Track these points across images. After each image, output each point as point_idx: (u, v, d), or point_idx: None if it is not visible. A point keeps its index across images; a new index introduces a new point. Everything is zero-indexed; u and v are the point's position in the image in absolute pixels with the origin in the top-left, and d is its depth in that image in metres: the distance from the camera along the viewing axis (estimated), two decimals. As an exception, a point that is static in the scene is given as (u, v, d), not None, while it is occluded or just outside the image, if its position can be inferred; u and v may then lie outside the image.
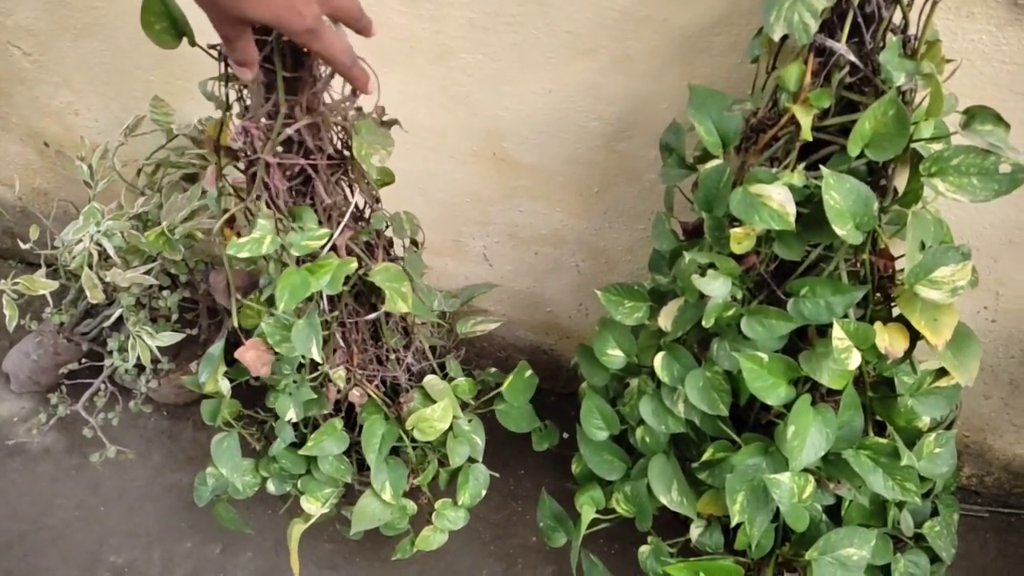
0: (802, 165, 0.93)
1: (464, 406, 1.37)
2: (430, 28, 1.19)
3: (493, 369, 1.52)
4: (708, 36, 1.09)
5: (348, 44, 0.79)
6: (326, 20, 0.77)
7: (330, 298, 1.16)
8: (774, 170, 0.93)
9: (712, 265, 0.98)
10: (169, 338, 1.43)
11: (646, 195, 1.32)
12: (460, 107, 1.29)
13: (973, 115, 0.86)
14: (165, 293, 1.46)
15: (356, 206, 1.11)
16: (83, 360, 1.64)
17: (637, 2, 1.08)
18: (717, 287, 0.98)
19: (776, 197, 0.89)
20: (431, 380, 1.30)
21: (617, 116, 1.22)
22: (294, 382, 1.22)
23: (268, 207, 1.01)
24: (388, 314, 1.23)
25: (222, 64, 0.92)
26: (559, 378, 1.75)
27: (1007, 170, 0.82)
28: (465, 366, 1.50)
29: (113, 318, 1.49)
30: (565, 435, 1.64)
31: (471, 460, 1.35)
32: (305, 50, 0.88)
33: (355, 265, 1.08)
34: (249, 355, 1.18)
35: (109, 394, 1.60)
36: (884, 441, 1.02)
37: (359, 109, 1.00)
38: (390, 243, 1.22)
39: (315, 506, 1.30)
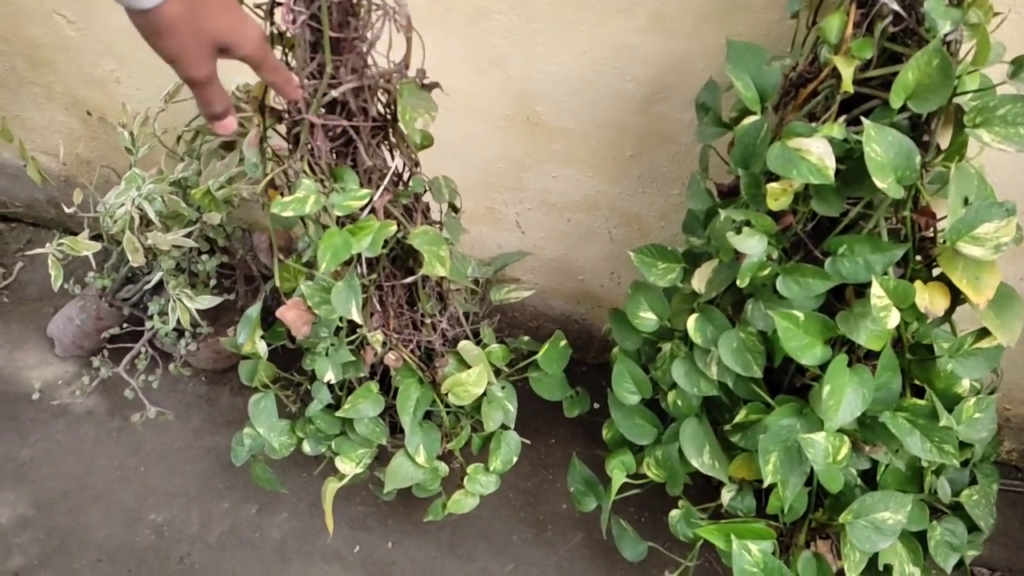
0: (842, 119, 0.92)
1: (497, 373, 1.37)
2: (465, -11, 1.19)
3: (526, 337, 1.52)
4: (746, -7, 1.08)
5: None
6: None
7: (368, 261, 1.17)
8: (813, 125, 0.92)
9: (748, 223, 0.97)
10: (208, 301, 1.46)
11: (681, 159, 1.31)
12: (495, 70, 1.29)
13: (1021, 64, 0.84)
14: (204, 257, 1.49)
15: (396, 169, 1.12)
16: (124, 325, 1.68)
17: (674, -41, 1.07)
18: (753, 245, 0.97)
19: (815, 150, 0.88)
20: (466, 346, 1.31)
21: (652, 77, 1.21)
22: (332, 344, 1.24)
23: (310, 167, 1.02)
24: (425, 279, 1.23)
25: (268, 24, 0.93)
26: (590, 348, 1.75)
27: (1056, 120, 0.80)
28: (497, 334, 1.51)
29: (153, 282, 1.52)
30: (596, 405, 1.65)
31: (503, 427, 1.35)
32: (349, 13, 0.88)
33: (394, 228, 1.09)
34: (291, 314, 1.19)
35: (149, 358, 1.64)
36: (922, 403, 1.01)
37: (404, 70, 1.00)
38: (428, 208, 1.23)
39: (350, 466, 1.32)
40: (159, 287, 1.58)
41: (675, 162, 1.32)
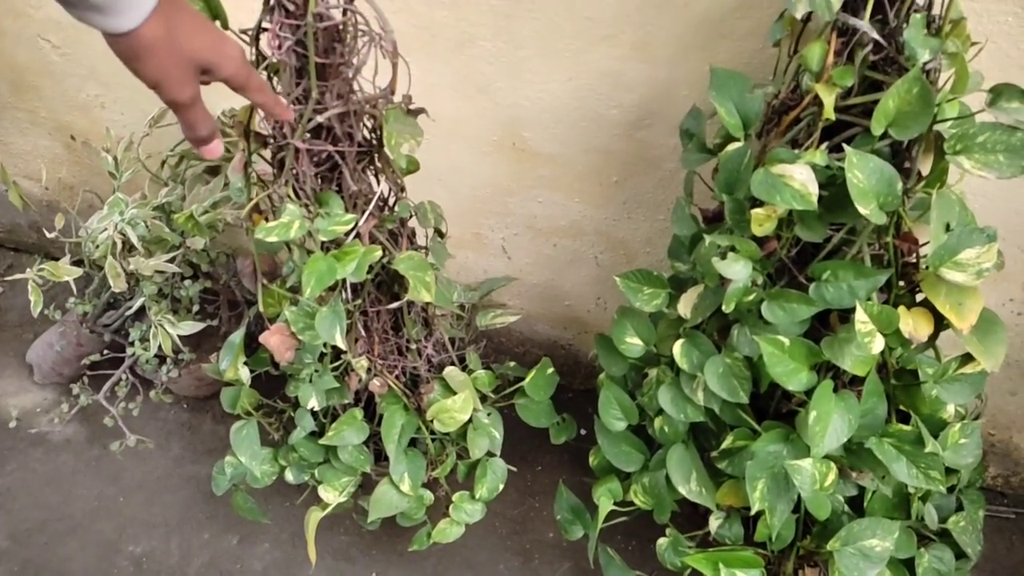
0: (824, 146, 0.92)
1: (483, 399, 1.36)
2: (451, 15, 1.20)
3: (512, 363, 1.52)
4: (729, 21, 1.09)
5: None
6: None
7: (353, 287, 1.17)
8: (796, 151, 0.93)
9: (733, 248, 0.98)
10: (190, 327, 1.44)
11: (666, 184, 1.32)
12: (481, 96, 1.29)
13: (999, 93, 0.85)
14: (187, 283, 1.47)
15: (381, 194, 1.12)
16: (105, 351, 1.66)
17: (658, -12, 1.09)
18: (738, 270, 0.97)
19: (798, 177, 0.89)
20: (451, 371, 1.30)
21: (637, 104, 1.22)
22: (316, 371, 1.23)
23: (295, 192, 1.02)
24: (410, 304, 1.23)
25: (252, 48, 0.94)
26: (577, 374, 1.74)
27: (1034, 147, 0.81)
28: (483, 360, 1.50)
29: (135, 308, 1.51)
30: (583, 431, 1.64)
31: (489, 454, 1.34)
32: (335, 39, 0.89)
33: (380, 253, 1.08)
34: (274, 340, 1.18)
35: (130, 385, 1.62)
36: (908, 429, 1.00)
37: (390, 96, 1.01)
38: (414, 233, 1.23)
39: (333, 495, 1.30)
40: (141, 313, 1.56)
41: (660, 187, 1.33)
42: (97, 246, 1.38)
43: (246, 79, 0.74)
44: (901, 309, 0.95)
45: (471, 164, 1.41)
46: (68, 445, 1.71)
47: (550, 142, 1.32)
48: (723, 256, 0.98)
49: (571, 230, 1.47)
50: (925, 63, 0.84)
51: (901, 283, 1.01)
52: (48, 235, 1.43)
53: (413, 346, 1.29)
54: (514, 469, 1.39)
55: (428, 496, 1.32)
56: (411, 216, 1.17)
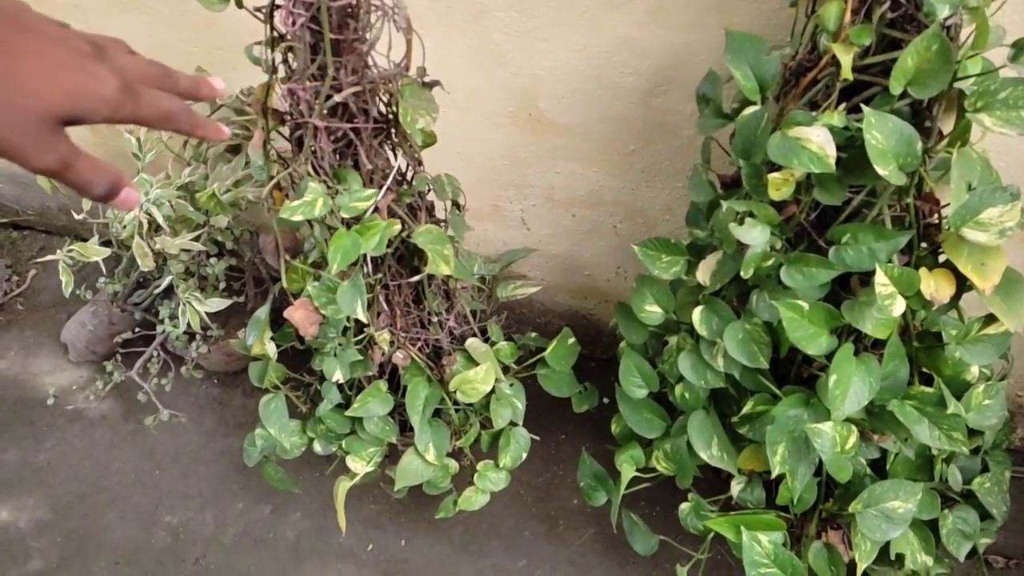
0: (843, 107, 0.91)
1: (506, 370, 1.38)
2: (464, -13, 1.20)
3: (533, 333, 1.53)
4: (745, -17, 1.08)
5: (177, 102, 0.53)
6: None
7: (374, 261, 1.18)
8: (814, 114, 0.92)
9: (751, 213, 0.97)
10: (217, 304, 1.47)
11: (683, 152, 1.31)
12: (496, 67, 1.29)
13: (1022, 47, 0.83)
14: (212, 261, 1.50)
15: (399, 168, 1.13)
16: (136, 329, 1.70)
17: (672, -49, 1.07)
18: (756, 235, 0.97)
19: (816, 139, 0.88)
20: (473, 343, 1.32)
21: (653, 70, 1.21)
22: (340, 344, 1.25)
23: (314, 170, 1.03)
24: (431, 277, 1.24)
25: (268, 27, 0.94)
26: (598, 344, 1.75)
27: (1058, 102, 0.79)
28: (505, 331, 1.51)
29: (163, 286, 1.54)
30: (605, 400, 1.65)
31: (512, 423, 1.36)
32: (349, 15, 0.88)
33: (399, 227, 1.09)
34: (298, 314, 1.20)
35: (162, 361, 1.65)
36: (930, 390, 1.00)
37: (405, 71, 1.01)
38: (432, 206, 1.23)
39: (360, 465, 1.33)
40: (169, 291, 1.59)
41: (678, 155, 1.32)
42: (124, 227, 1.40)
43: (138, 113, 0.50)
44: (922, 271, 0.94)
45: (488, 135, 1.41)
46: (104, 421, 1.76)
47: (566, 112, 1.32)
48: (741, 222, 0.97)
49: (589, 200, 1.46)
50: (945, 19, 0.83)
51: (923, 244, 1.00)
52: (76, 217, 1.46)
53: (435, 319, 1.30)
54: (537, 438, 1.41)
55: (453, 465, 1.34)
56: (429, 190, 1.18)
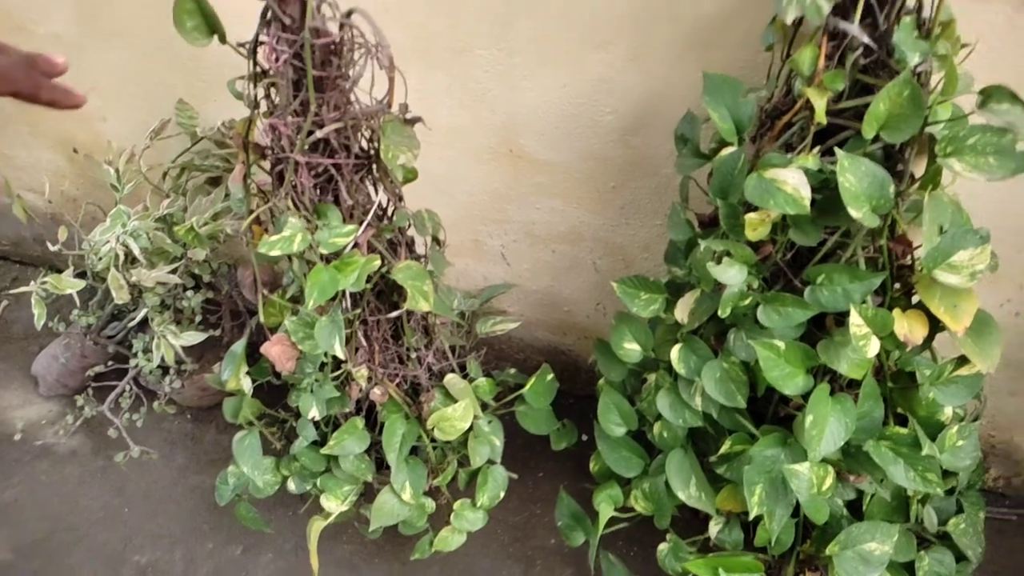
0: (817, 149, 0.93)
1: (484, 407, 1.37)
2: (447, 24, 1.21)
3: (512, 370, 1.52)
4: (723, 28, 1.10)
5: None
6: None
7: (353, 296, 1.17)
8: (789, 156, 0.93)
9: (728, 253, 0.98)
10: (193, 337, 1.45)
11: (662, 190, 1.33)
12: (478, 104, 1.30)
13: (989, 95, 0.85)
14: (189, 294, 1.48)
15: (380, 204, 1.13)
16: (109, 363, 1.67)
17: (650, -4, 1.09)
18: (733, 275, 0.97)
19: (791, 181, 0.89)
20: (452, 379, 1.31)
21: (632, 110, 1.23)
22: (316, 380, 1.23)
23: (294, 205, 1.03)
24: (410, 313, 1.23)
25: (251, 63, 0.95)
26: (577, 380, 1.75)
27: (1024, 149, 0.81)
28: (484, 367, 1.50)
29: (138, 319, 1.52)
30: (584, 437, 1.64)
31: (490, 461, 1.35)
32: (336, 52, 0.89)
33: (379, 263, 1.09)
34: (275, 350, 1.19)
35: (134, 396, 1.63)
36: (905, 431, 1.00)
37: (386, 108, 1.01)
38: (412, 241, 1.23)
39: (335, 504, 1.31)
40: (144, 324, 1.57)
41: (657, 193, 1.33)
42: (100, 258, 1.39)
43: (25, 88, 0.56)
44: (896, 312, 0.95)
45: (469, 171, 1.42)
46: (73, 456, 1.72)
47: (547, 149, 1.33)
48: (718, 261, 0.98)
49: (569, 236, 1.47)
50: (915, 66, 0.85)
51: (896, 285, 1.02)
52: (52, 248, 1.45)
53: (413, 355, 1.29)
54: (515, 476, 1.40)
55: (430, 504, 1.32)
56: (409, 225, 1.18)
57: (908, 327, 0.96)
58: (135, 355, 1.53)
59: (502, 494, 1.35)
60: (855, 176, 0.86)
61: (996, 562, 1.50)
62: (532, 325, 1.69)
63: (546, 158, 1.35)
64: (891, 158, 0.94)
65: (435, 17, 1.20)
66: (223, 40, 0.86)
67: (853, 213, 0.86)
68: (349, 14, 0.85)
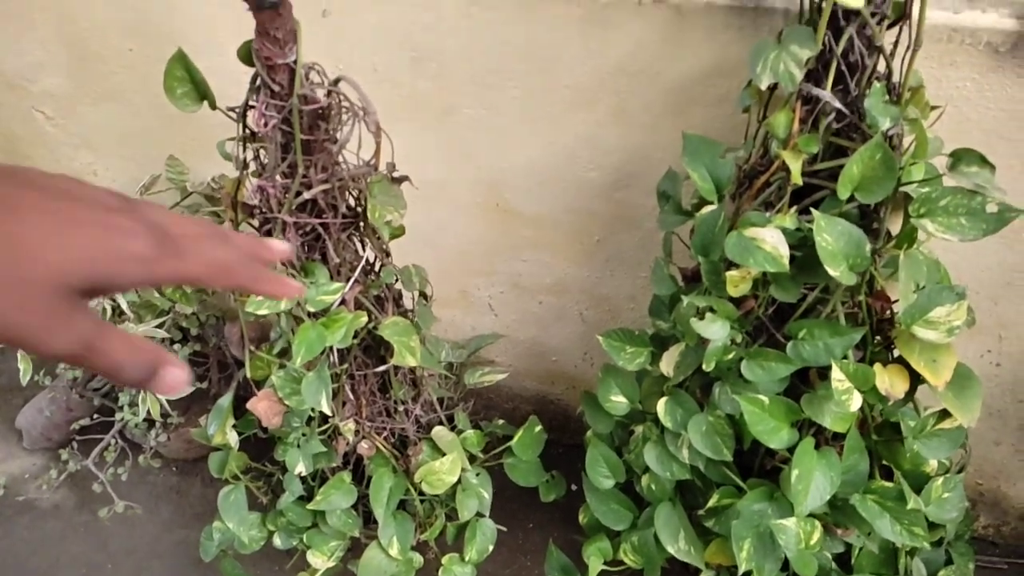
0: (794, 209, 0.95)
1: (472, 459, 1.37)
2: (434, 86, 1.24)
3: (501, 421, 1.52)
4: (700, 88, 1.13)
5: (235, 252, 0.43)
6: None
7: (340, 352, 1.18)
8: (767, 214, 0.95)
9: (710, 308, 1.00)
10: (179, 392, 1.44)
11: (646, 243, 1.35)
12: (464, 161, 1.33)
13: (959, 157, 0.88)
14: (176, 347, 1.48)
15: (367, 260, 1.14)
16: (95, 416, 1.66)
17: (632, 57, 1.13)
18: (716, 330, 0.99)
19: (769, 240, 0.91)
20: (440, 432, 1.31)
21: (615, 166, 1.25)
22: (303, 435, 1.23)
23: (282, 263, 1.04)
24: (397, 366, 1.24)
25: (240, 126, 0.97)
26: (566, 429, 1.74)
27: (994, 210, 0.84)
28: (472, 417, 1.50)
29: (125, 372, 1.51)
30: (573, 487, 1.63)
31: (479, 514, 1.34)
32: (324, 116, 0.91)
33: (366, 319, 1.10)
34: (261, 406, 1.19)
35: (119, 449, 1.61)
36: (890, 485, 1.01)
37: (372, 170, 1.04)
38: (399, 295, 1.25)
39: (321, 560, 1.30)
40: (131, 377, 1.57)
41: (641, 246, 1.35)
42: (87, 312, 1.39)
43: (184, 269, 0.39)
44: (877, 366, 0.96)
45: (456, 225, 1.44)
46: (56, 511, 1.70)
47: (533, 203, 1.35)
48: (701, 316, 1.00)
49: (556, 288, 1.49)
50: (887, 130, 0.87)
51: (877, 339, 1.03)
52: (39, 302, 1.45)
53: (400, 407, 1.29)
54: (504, 529, 1.39)
55: (417, 559, 1.31)
56: (396, 280, 1.19)
57: (889, 381, 0.97)
58: (121, 408, 1.53)
59: (491, 547, 1.34)
60: (832, 236, 0.88)
61: (988, 611, 1.49)
62: (520, 375, 1.69)
63: (532, 212, 1.37)
64: (867, 216, 0.96)
65: (422, 79, 1.23)
66: (213, 106, 0.88)
67: (831, 271, 0.88)
68: (337, 82, 0.88)
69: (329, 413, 1.11)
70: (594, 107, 1.20)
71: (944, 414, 1.02)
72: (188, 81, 0.87)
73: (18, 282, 0.33)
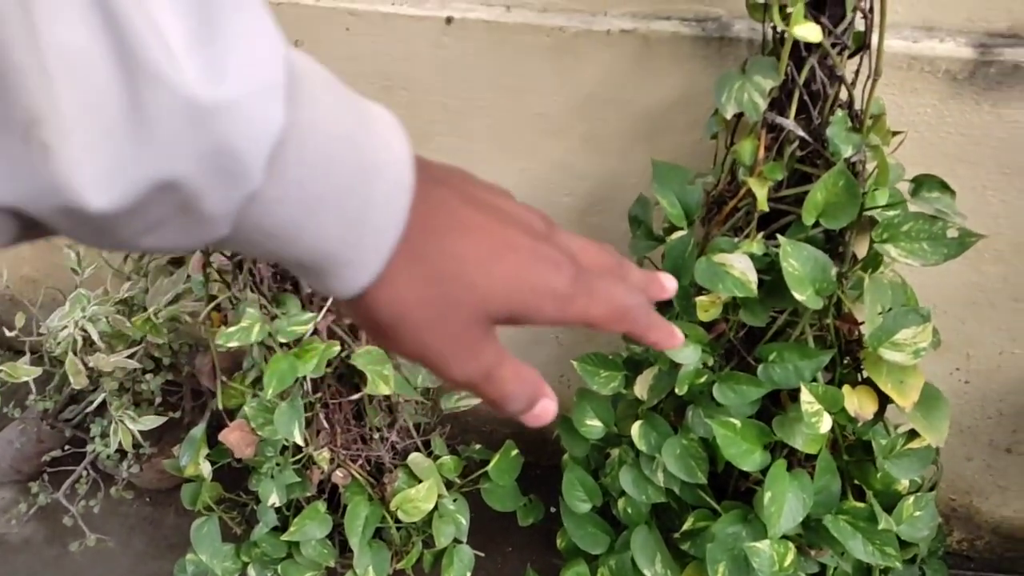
0: (762, 234, 0.97)
1: (449, 484, 1.36)
2: (407, 114, 1.24)
3: (478, 445, 1.52)
4: (670, 115, 1.15)
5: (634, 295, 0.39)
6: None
7: (313, 381, 1.17)
8: (736, 240, 0.97)
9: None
10: (151, 422, 1.43)
11: (620, 267, 1.36)
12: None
13: (920, 183, 0.90)
14: (148, 377, 1.47)
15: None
16: (66, 447, 1.63)
17: (602, 85, 1.14)
18: (687, 355, 1.00)
19: (738, 265, 0.92)
20: (416, 458, 1.30)
21: (588, 191, 1.27)
22: (277, 465, 1.22)
23: (253, 293, 1.04)
24: (371, 394, 1.24)
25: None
26: (544, 451, 1.74)
27: (955, 235, 0.85)
28: (450, 442, 1.50)
29: (96, 403, 1.49)
30: (553, 509, 1.63)
31: (456, 540, 1.33)
32: None
33: (338, 348, 1.10)
34: (233, 436, 1.18)
35: (91, 481, 1.59)
36: (862, 505, 1.02)
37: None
38: (372, 322, 1.24)
39: (297, 591, 1.28)
40: (103, 407, 1.55)
41: (615, 270, 1.36)
42: (58, 343, 1.37)
43: (589, 312, 0.36)
44: (846, 388, 0.98)
45: (431, 251, 1.44)
46: (26, 546, 1.66)
47: (507, 229, 1.36)
48: (672, 341, 1.00)
49: (531, 312, 1.49)
50: (849, 157, 0.89)
51: (846, 360, 1.05)
52: (8, 333, 1.43)
53: (376, 435, 1.29)
54: (482, 554, 1.38)
55: (395, 588, 1.30)
56: (370, 308, 1.19)
57: (858, 402, 0.98)
58: (92, 439, 1.50)
59: (468, 574, 1.34)
60: (798, 261, 0.90)
61: (963, 627, 1.51)
62: (497, 398, 1.69)
63: (506, 237, 1.38)
64: (833, 241, 0.98)
65: (395, 107, 1.21)
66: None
67: (797, 296, 0.89)
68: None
69: (302, 444, 1.10)
70: (566, 134, 1.21)
71: (913, 434, 1.04)
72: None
73: (449, 306, 0.32)
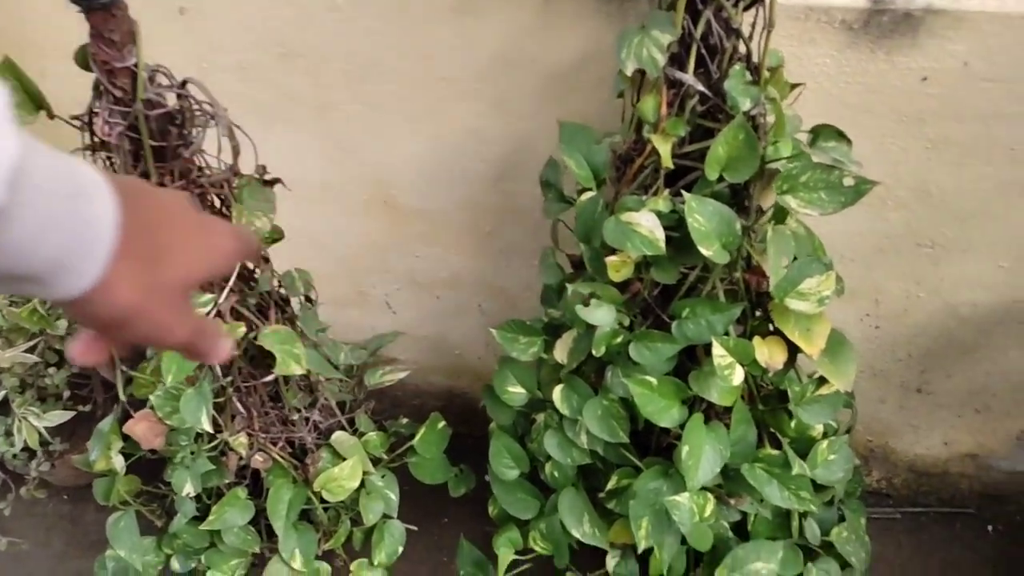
0: (668, 191, 0.96)
1: (377, 461, 1.34)
2: (308, 82, 1.20)
3: (405, 420, 1.50)
4: (577, 74, 1.13)
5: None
6: None
7: (222, 364, 1.13)
8: (644, 198, 0.96)
9: (595, 295, 1.00)
10: (58, 417, 1.37)
11: (538, 232, 1.34)
12: (347, 158, 1.29)
13: (818, 133, 0.91)
14: (52, 371, 1.40)
15: (245, 267, 1.10)
16: (-30, 449, 1.54)
17: (505, 45, 1.12)
18: (601, 315, 0.99)
19: (645, 223, 0.92)
20: (340, 437, 1.28)
21: (500, 157, 1.25)
22: (191, 453, 1.18)
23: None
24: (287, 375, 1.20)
25: (87, 135, 0.91)
26: (475, 422, 1.73)
27: (851, 183, 0.87)
28: (379, 417, 1.48)
29: (-2, 401, 1.42)
30: (486, 478, 1.63)
31: (386, 516, 1.32)
32: (176, 121, 0.87)
33: (243, 330, 1.06)
34: (140, 428, 1.14)
35: (1, 483, 1.51)
36: (776, 453, 1.04)
37: (237, 173, 0.99)
38: (286, 301, 1.20)
39: (223, 579, 1.25)
40: (5, 405, 1.47)
41: (532, 235, 1.35)
42: (-51, 341, 1.29)
43: (246, 255, 0.52)
44: (756, 340, 0.99)
45: (345, 224, 1.40)
46: (-66, 555, 1.58)
47: (420, 198, 1.33)
48: (586, 304, 1.00)
49: (452, 282, 1.47)
50: (748, 110, 0.89)
51: (757, 313, 1.06)
52: None
53: (296, 415, 1.26)
54: (414, 528, 1.37)
55: (324, 569, 1.28)
56: (279, 286, 1.15)
57: (769, 353, 1.00)
58: (-3, 440, 1.43)
59: (400, 549, 1.33)
60: (703, 216, 0.90)
61: (884, 560, 1.57)
62: (425, 371, 1.67)
63: (421, 207, 1.35)
64: (738, 195, 0.99)
65: (294, 75, 1.18)
66: (51, 115, 0.82)
67: (704, 251, 0.89)
68: (184, 84, 0.83)
69: (211, 430, 1.06)
70: (474, 98, 1.18)
71: (823, 380, 1.06)
72: (20, 91, 0.81)
73: (169, 283, 0.41)
